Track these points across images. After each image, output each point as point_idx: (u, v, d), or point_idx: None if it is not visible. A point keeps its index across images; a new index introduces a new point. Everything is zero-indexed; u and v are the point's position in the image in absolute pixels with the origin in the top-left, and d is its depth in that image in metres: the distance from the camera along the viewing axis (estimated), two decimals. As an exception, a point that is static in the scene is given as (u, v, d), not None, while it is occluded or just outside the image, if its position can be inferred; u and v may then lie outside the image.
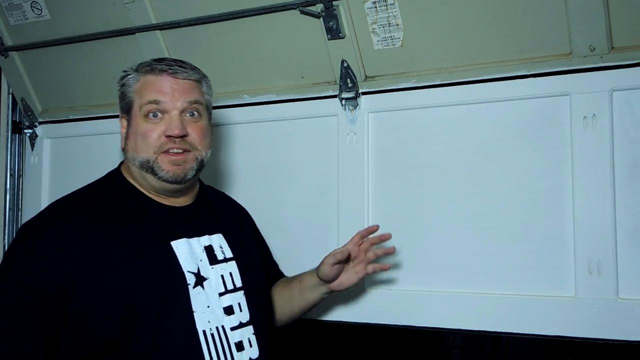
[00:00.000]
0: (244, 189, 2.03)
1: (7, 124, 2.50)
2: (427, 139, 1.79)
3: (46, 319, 1.29)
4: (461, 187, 1.73)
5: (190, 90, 1.46)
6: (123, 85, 1.48)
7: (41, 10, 2.20)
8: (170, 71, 1.44)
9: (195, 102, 1.46)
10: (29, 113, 2.44)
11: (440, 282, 1.74)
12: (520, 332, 1.65)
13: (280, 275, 1.79)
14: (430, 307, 1.75)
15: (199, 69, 1.52)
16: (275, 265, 1.81)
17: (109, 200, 1.44)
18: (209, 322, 1.39)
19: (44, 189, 2.42)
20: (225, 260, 1.49)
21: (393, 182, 1.83)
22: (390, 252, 1.63)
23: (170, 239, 1.42)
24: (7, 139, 2.49)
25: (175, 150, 1.42)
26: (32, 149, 2.47)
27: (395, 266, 1.81)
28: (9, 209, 2.47)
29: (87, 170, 2.25)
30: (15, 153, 2.50)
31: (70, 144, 2.40)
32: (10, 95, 2.50)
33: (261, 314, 1.53)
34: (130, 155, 1.45)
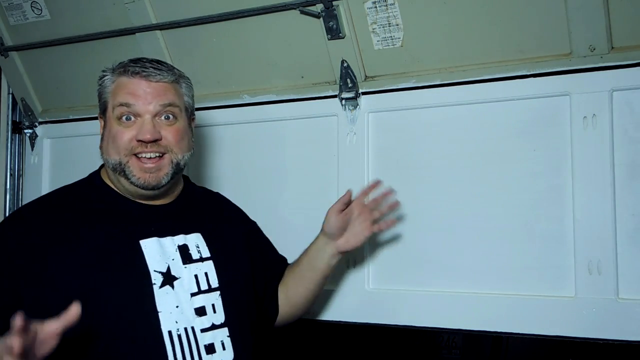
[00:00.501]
0: (244, 189, 2.03)
1: (7, 124, 2.50)
2: (427, 139, 1.79)
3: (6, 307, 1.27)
4: (461, 187, 1.73)
5: (164, 93, 1.43)
6: (100, 85, 1.47)
7: (41, 10, 2.20)
8: (144, 74, 1.41)
9: (169, 104, 1.43)
10: (29, 113, 2.44)
11: (440, 282, 1.74)
12: (520, 332, 1.65)
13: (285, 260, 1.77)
14: (430, 307, 1.75)
15: (176, 70, 1.49)
16: (282, 259, 1.77)
17: (82, 200, 1.45)
18: (176, 322, 1.37)
19: (44, 189, 2.41)
20: (201, 259, 1.46)
21: (393, 182, 1.82)
22: (395, 207, 1.63)
23: (140, 237, 1.40)
24: (7, 139, 2.49)
25: (148, 155, 1.40)
26: (32, 149, 2.47)
27: (395, 266, 1.81)
28: (9, 209, 2.47)
29: (87, 170, 2.25)
30: (15, 153, 2.49)
31: (70, 144, 2.40)
32: (10, 95, 2.50)
33: (240, 315, 1.49)
34: (104, 157, 1.45)
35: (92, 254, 1.35)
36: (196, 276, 1.43)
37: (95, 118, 2.29)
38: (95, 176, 1.52)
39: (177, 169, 1.46)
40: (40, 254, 1.33)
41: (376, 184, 1.62)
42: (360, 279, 1.84)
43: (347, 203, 1.57)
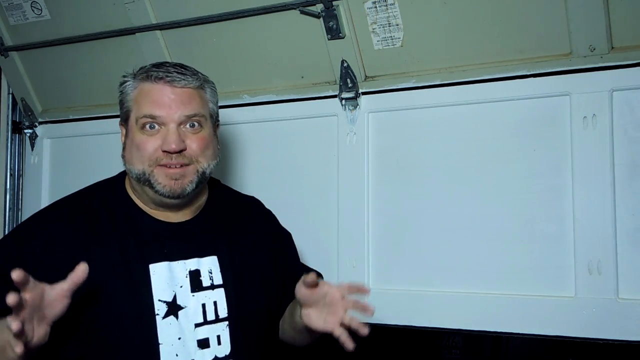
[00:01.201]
0: (244, 189, 2.03)
1: (7, 124, 2.50)
2: (427, 139, 1.79)
3: None
4: (461, 187, 1.73)
5: (190, 101, 1.37)
6: (121, 92, 1.41)
7: (41, 10, 2.20)
8: (168, 79, 1.35)
9: (195, 115, 1.37)
10: (29, 113, 2.44)
11: (440, 282, 1.74)
12: (520, 332, 1.65)
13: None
14: (430, 307, 1.75)
15: (201, 74, 1.43)
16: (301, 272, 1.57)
17: (98, 211, 1.38)
18: (177, 355, 1.31)
19: (44, 189, 2.42)
20: (212, 287, 1.38)
21: (393, 182, 1.83)
22: (368, 311, 1.32)
23: (150, 261, 1.33)
24: (7, 139, 2.49)
25: (172, 166, 1.35)
26: (32, 149, 2.47)
27: (396, 266, 1.81)
28: (9, 209, 2.47)
29: (87, 170, 2.26)
30: (15, 153, 2.49)
31: (70, 144, 2.40)
32: (10, 95, 2.50)
33: (249, 347, 1.42)
34: (127, 166, 1.39)
35: (97, 278, 1.26)
36: (204, 305, 1.36)
37: (95, 118, 2.32)
38: (118, 181, 1.46)
39: (202, 179, 1.39)
40: (56, 267, 1.23)
41: (365, 290, 1.34)
42: (360, 279, 1.83)
43: (311, 284, 1.29)
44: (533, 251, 1.64)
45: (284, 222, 1.97)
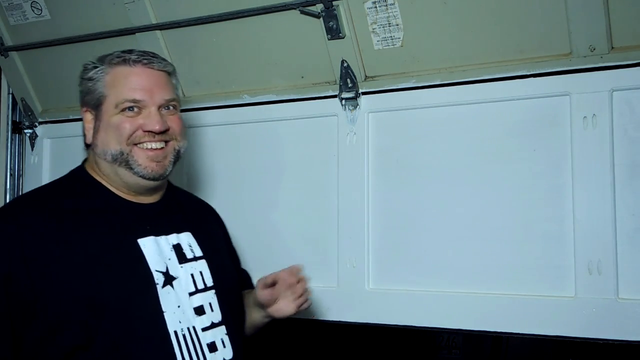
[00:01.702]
0: (244, 189, 2.03)
1: (7, 124, 2.50)
2: (427, 139, 1.79)
3: (10, 316, 1.25)
4: (461, 187, 1.73)
5: (166, 86, 1.44)
6: (89, 79, 1.43)
7: (41, 10, 2.20)
8: (145, 61, 1.40)
9: (172, 99, 1.44)
10: (29, 113, 2.44)
11: (440, 282, 1.74)
12: (520, 332, 1.65)
13: (245, 285, 1.70)
14: (430, 307, 1.75)
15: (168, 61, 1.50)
16: (242, 272, 1.72)
17: (73, 196, 1.40)
18: (179, 322, 1.35)
19: (44, 189, 2.42)
20: (195, 259, 1.45)
21: (393, 182, 1.83)
22: (302, 281, 1.51)
23: (137, 236, 1.37)
24: (7, 139, 2.49)
25: (154, 145, 1.39)
26: (32, 149, 2.47)
27: (395, 266, 1.81)
28: (9, 209, 2.47)
29: (87, 170, 2.26)
30: (15, 153, 2.49)
31: (70, 144, 2.39)
32: (10, 95, 2.50)
33: (233, 314, 1.49)
34: (100, 149, 1.40)
35: (92, 257, 1.31)
36: (192, 275, 1.42)
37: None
38: (81, 172, 1.47)
39: (177, 158, 1.46)
40: (40, 261, 1.27)
41: (297, 269, 1.50)
42: (360, 279, 1.84)
43: (273, 282, 1.48)
44: (533, 251, 1.64)
45: (283, 221, 1.97)
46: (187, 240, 1.46)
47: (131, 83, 1.39)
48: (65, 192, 1.42)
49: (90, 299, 1.27)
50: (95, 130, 1.43)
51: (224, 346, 1.43)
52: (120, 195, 1.43)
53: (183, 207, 1.56)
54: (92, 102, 1.43)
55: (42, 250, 1.28)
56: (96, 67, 1.43)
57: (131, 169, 1.39)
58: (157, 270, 1.36)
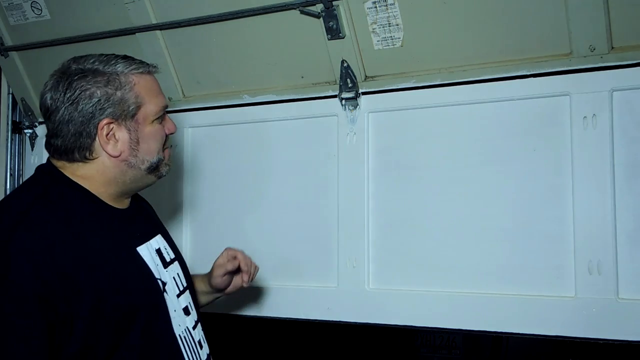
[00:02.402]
0: (244, 189, 2.03)
1: (7, 124, 2.49)
2: (427, 139, 1.79)
3: (49, 327, 1.16)
4: (461, 187, 1.73)
5: None
6: (118, 87, 1.31)
7: (41, 10, 2.20)
8: (153, 70, 1.39)
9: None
10: (29, 113, 2.44)
11: (440, 282, 1.74)
12: (520, 332, 1.65)
13: None
14: (430, 307, 1.75)
15: None
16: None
17: (70, 203, 1.30)
18: (179, 325, 1.39)
19: (44, 189, 2.41)
20: (172, 261, 1.46)
21: (393, 182, 1.83)
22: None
23: (135, 244, 1.36)
24: (7, 139, 2.48)
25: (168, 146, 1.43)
26: (32, 149, 2.47)
27: (395, 266, 1.81)
28: (9, 209, 2.47)
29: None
30: (15, 153, 2.49)
31: (70, 144, 2.40)
32: (10, 95, 2.50)
33: (199, 312, 1.53)
34: (138, 160, 1.35)
35: (113, 265, 1.27)
36: (174, 278, 1.44)
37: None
38: (56, 174, 1.34)
39: None
40: (71, 275, 1.19)
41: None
42: (360, 279, 1.84)
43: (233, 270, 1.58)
44: (533, 251, 1.64)
45: (283, 221, 1.97)
46: (162, 243, 1.46)
47: (158, 90, 1.39)
48: (58, 197, 1.30)
49: (122, 307, 1.25)
50: (136, 141, 1.34)
51: (204, 342, 1.47)
52: (104, 201, 1.35)
53: (143, 208, 1.54)
54: (126, 113, 1.32)
55: (71, 266, 1.19)
56: (116, 78, 1.32)
57: (158, 171, 1.39)
58: (157, 278, 1.37)
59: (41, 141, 2.45)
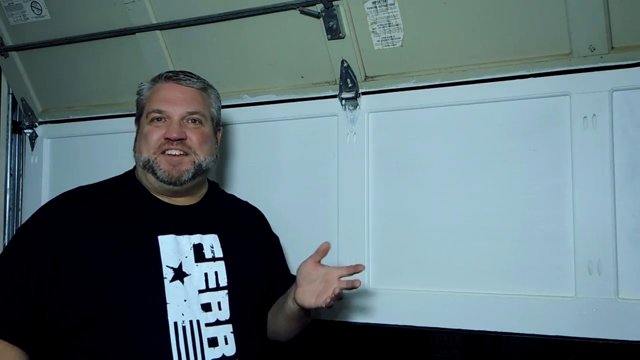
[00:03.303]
0: (243, 189, 2.03)
1: (7, 124, 2.50)
2: (427, 139, 1.79)
3: (36, 289, 1.44)
4: (461, 187, 1.73)
5: (192, 101, 1.58)
6: (138, 94, 1.63)
7: (41, 10, 2.20)
8: (175, 78, 1.58)
9: (196, 112, 1.58)
10: (29, 113, 2.44)
11: (440, 282, 1.74)
12: (520, 332, 1.65)
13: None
14: (430, 307, 1.75)
15: (207, 81, 1.66)
16: (292, 278, 1.63)
17: (112, 194, 1.58)
18: (182, 314, 1.45)
19: (44, 189, 2.41)
20: (214, 259, 1.54)
21: (393, 182, 1.83)
22: (356, 286, 1.49)
23: (159, 233, 1.50)
24: (7, 139, 2.49)
25: (173, 152, 1.53)
26: (32, 149, 2.47)
27: (395, 266, 1.81)
28: (9, 209, 2.47)
29: (87, 170, 2.26)
30: (15, 153, 2.49)
31: (70, 144, 2.40)
32: (10, 95, 2.50)
33: (245, 315, 1.56)
34: (136, 156, 1.58)
35: (111, 247, 1.46)
36: (206, 274, 1.52)
37: (95, 118, 2.33)
38: (129, 173, 1.64)
39: (199, 170, 1.57)
40: (66, 245, 1.46)
41: (360, 268, 1.51)
42: (360, 279, 1.83)
43: (324, 252, 1.51)
44: (533, 251, 1.64)
45: (284, 221, 1.97)
46: (210, 241, 1.56)
47: (160, 96, 1.57)
48: (108, 190, 1.59)
49: (97, 281, 1.43)
50: (135, 139, 1.61)
51: (227, 343, 1.49)
52: (155, 196, 1.58)
53: (220, 211, 1.66)
54: (138, 114, 1.63)
55: (70, 238, 1.46)
56: (143, 86, 1.63)
57: (155, 174, 1.53)
58: (167, 266, 1.47)
59: (41, 141, 2.45)
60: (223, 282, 1.53)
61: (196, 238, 1.54)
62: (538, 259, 1.64)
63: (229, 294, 1.53)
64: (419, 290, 1.77)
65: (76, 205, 1.53)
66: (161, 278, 1.46)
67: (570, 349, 2.90)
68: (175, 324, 1.44)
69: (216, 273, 1.53)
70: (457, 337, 3.42)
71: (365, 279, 1.83)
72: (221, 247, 1.56)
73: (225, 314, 1.51)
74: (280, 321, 1.67)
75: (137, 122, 1.63)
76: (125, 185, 1.61)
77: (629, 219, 1.56)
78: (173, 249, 1.50)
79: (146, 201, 1.57)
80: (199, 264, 1.52)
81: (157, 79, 1.61)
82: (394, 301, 1.80)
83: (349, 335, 3.18)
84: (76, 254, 1.45)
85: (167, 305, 1.44)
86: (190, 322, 1.45)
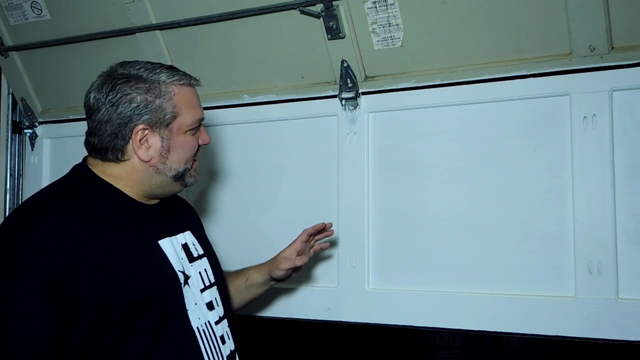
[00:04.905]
0: (244, 189, 2.03)
1: (7, 124, 2.49)
2: (427, 139, 1.79)
3: (57, 314, 1.21)
4: (461, 187, 1.73)
5: None
6: (156, 96, 1.37)
7: (41, 10, 2.20)
8: (194, 82, 1.45)
9: None
10: (29, 113, 2.44)
11: (440, 282, 1.74)
12: (520, 332, 1.65)
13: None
14: (430, 307, 1.75)
15: None
16: None
17: (92, 199, 1.36)
18: (199, 318, 1.41)
19: (44, 189, 2.42)
20: (200, 257, 1.50)
21: (393, 182, 1.83)
22: (329, 235, 1.72)
23: (157, 238, 1.40)
24: (7, 139, 2.49)
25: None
26: (32, 149, 2.47)
27: (395, 266, 1.81)
28: (9, 209, 2.47)
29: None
30: (15, 153, 2.49)
31: (70, 144, 2.40)
32: (10, 95, 2.50)
33: (229, 307, 1.56)
34: (167, 166, 1.40)
35: (125, 259, 1.31)
36: (200, 273, 1.47)
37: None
38: (87, 172, 1.41)
39: None
40: (82, 268, 1.24)
41: (319, 227, 1.68)
42: (360, 279, 1.84)
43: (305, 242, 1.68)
44: (533, 251, 1.64)
45: (283, 221, 1.97)
46: (190, 239, 1.50)
47: (196, 103, 1.45)
48: (84, 195, 1.37)
49: (130, 300, 1.29)
50: (167, 149, 1.39)
51: (229, 338, 1.49)
52: (129, 196, 1.41)
53: (176, 207, 1.58)
54: (162, 121, 1.38)
55: (82, 257, 1.25)
56: (157, 87, 1.37)
57: (183, 180, 1.44)
58: (179, 270, 1.41)
59: (41, 141, 2.45)
60: (212, 278, 1.50)
61: (181, 238, 1.47)
62: (538, 259, 1.64)
63: (218, 289, 1.51)
64: (419, 290, 1.77)
65: (72, 220, 1.29)
66: (179, 284, 1.38)
67: (570, 349, 2.90)
68: (198, 329, 1.39)
69: (205, 270, 1.49)
70: (457, 337, 3.42)
71: (366, 279, 1.83)
72: (199, 243, 1.52)
73: (221, 310, 1.49)
74: (241, 300, 1.73)
75: (162, 129, 1.38)
76: (97, 188, 1.39)
77: (629, 219, 1.56)
78: (173, 252, 1.42)
79: (128, 205, 1.40)
80: (192, 263, 1.46)
81: (184, 83, 1.42)
82: (394, 301, 1.80)
83: (349, 335, 3.18)
84: (95, 279, 1.25)
85: (188, 311, 1.38)
86: (205, 324, 1.42)
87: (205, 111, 2.06)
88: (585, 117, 1.60)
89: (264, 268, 1.70)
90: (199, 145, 1.46)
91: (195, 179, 1.47)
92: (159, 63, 1.43)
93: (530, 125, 1.67)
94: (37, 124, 2.46)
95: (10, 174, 2.48)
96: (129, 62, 1.41)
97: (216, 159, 2.09)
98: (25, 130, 2.48)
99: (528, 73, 1.66)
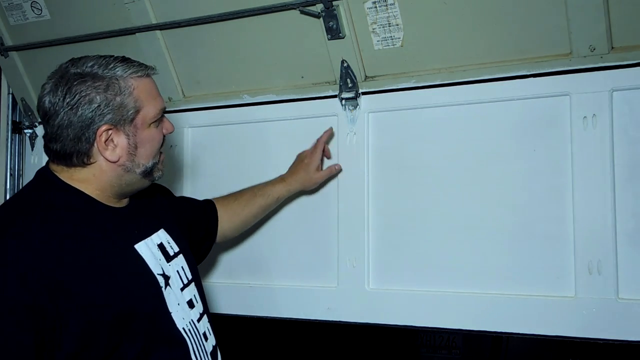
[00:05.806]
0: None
1: (7, 124, 2.49)
2: (427, 139, 1.79)
3: (36, 340, 1.13)
4: (461, 187, 1.73)
5: None
6: (117, 93, 1.29)
7: (41, 10, 2.20)
8: (151, 72, 1.37)
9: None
10: (29, 113, 2.44)
11: (440, 282, 1.74)
12: (520, 332, 1.65)
13: (210, 201, 1.83)
14: (430, 307, 1.75)
15: None
16: (208, 202, 1.83)
17: (62, 207, 1.30)
18: (183, 319, 1.39)
19: (44, 189, 2.41)
20: (175, 255, 1.46)
21: (393, 182, 1.83)
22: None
23: (133, 242, 1.35)
24: (7, 139, 2.48)
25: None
26: (32, 149, 2.47)
27: (396, 266, 1.81)
28: (9, 209, 2.47)
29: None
30: (15, 153, 2.49)
31: (70, 144, 2.39)
32: (10, 95, 2.50)
33: (206, 304, 1.52)
34: (135, 163, 1.34)
35: (104, 268, 1.26)
36: (178, 272, 1.44)
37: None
38: (53, 178, 1.34)
39: None
40: (60, 285, 1.18)
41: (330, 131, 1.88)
42: (360, 279, 1.84)
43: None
44: (533, 251, 1.64)
45: (283, 222, 1.97)
46: (165, 237, 1.46)
47: (156, 93, 1.37)
48: (54, 205, 1.29)
49: (115, 311, 1.24)
50: (134, 146, 1.33)
51: (210, 334, 1.48)
52: (101, 201, 1.35)
53: (146, 203, 1.50)
54: (125, 118, 1.31)
55: (60, 273, 1.18)
56: (114, 83, 1.30)
57: (152, 175, 1.39)
58: (158, 274, 1.36)
59: (41, 141, 2.45)
60: (189, 275, 1.46)
61: (155, 238, 1.42)
62: (538, 259, 1.64)
63: (195, 285, 1.48)
64: (419, 290, 1.77)
65: (45, 233, 1.22)
66: (159, 288, 1.34)
67: (570, 349, 2.90)
68: (184, 329, 1.37)
69: (182, 268, 1.45)
70: (457, 337, 3.43)
71: (366, 279, 1.83)
72: (174, 240, 1.47)
73: (200, 307, 1.47)
74: (254, 208, 1.83)
75: (126, 127, 1.31)
76: (65, 195, 1.32)
77: (629, 219, 1.56)
78: (150, 255, 1.36)
79: (100, 209, 1.34)
80: (169, 263, 1.42)
81: (140, 75, 1.33)
82: (394, 301, 1.80)
83: (349, 335, 3.18)
84: (76, 294, 1.18)
85: (171, 314, 1.35)
86: (189, 323, 1.40)
87: (205, 111, 2.10)
88: (585, 117, 1.60)
89: (283, 181, 1.86)
90: (163, 136, 1.39)
91: (162, 173, 1.41)
92: (111, 56, 1.33)
93: (530, 125, 1.67)
94: (37, 124, 2.46)
95: (10, 174, 2.48)
96: (79, 59, 1.33)
97: (215, 159, 2.09)
98: (25, 130, 2.48)
99: (528, 73, 1.66)
